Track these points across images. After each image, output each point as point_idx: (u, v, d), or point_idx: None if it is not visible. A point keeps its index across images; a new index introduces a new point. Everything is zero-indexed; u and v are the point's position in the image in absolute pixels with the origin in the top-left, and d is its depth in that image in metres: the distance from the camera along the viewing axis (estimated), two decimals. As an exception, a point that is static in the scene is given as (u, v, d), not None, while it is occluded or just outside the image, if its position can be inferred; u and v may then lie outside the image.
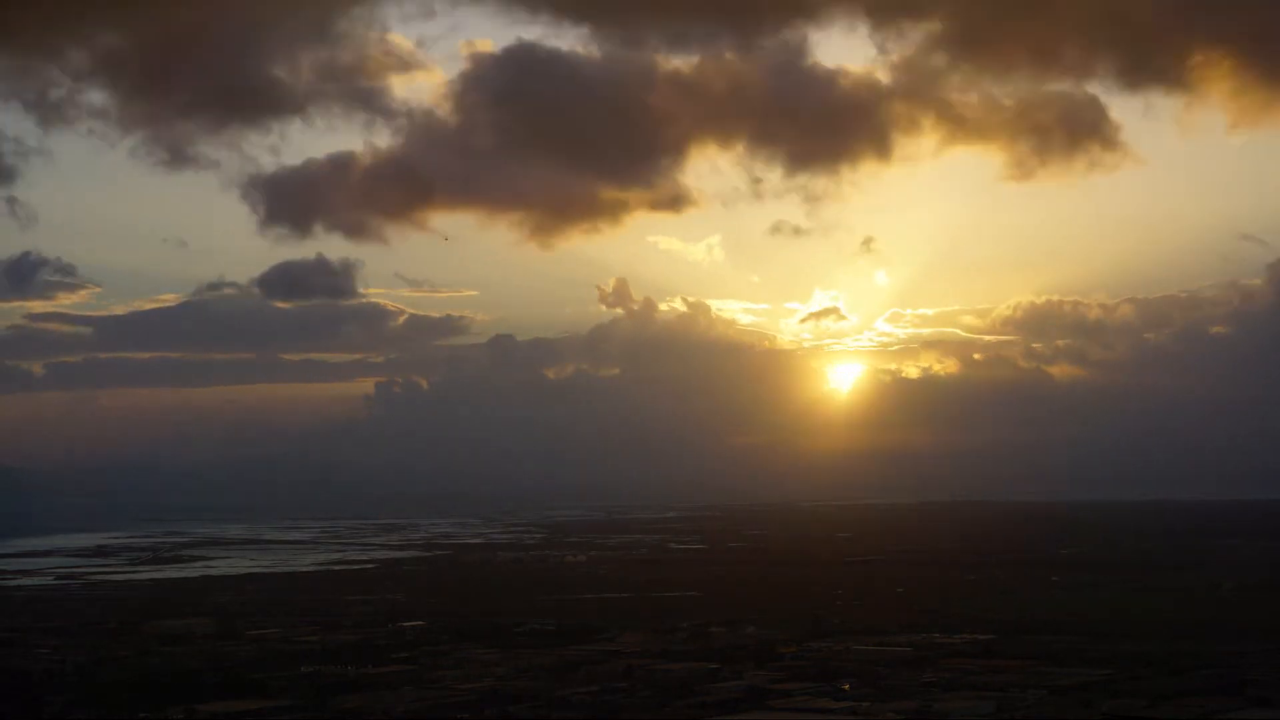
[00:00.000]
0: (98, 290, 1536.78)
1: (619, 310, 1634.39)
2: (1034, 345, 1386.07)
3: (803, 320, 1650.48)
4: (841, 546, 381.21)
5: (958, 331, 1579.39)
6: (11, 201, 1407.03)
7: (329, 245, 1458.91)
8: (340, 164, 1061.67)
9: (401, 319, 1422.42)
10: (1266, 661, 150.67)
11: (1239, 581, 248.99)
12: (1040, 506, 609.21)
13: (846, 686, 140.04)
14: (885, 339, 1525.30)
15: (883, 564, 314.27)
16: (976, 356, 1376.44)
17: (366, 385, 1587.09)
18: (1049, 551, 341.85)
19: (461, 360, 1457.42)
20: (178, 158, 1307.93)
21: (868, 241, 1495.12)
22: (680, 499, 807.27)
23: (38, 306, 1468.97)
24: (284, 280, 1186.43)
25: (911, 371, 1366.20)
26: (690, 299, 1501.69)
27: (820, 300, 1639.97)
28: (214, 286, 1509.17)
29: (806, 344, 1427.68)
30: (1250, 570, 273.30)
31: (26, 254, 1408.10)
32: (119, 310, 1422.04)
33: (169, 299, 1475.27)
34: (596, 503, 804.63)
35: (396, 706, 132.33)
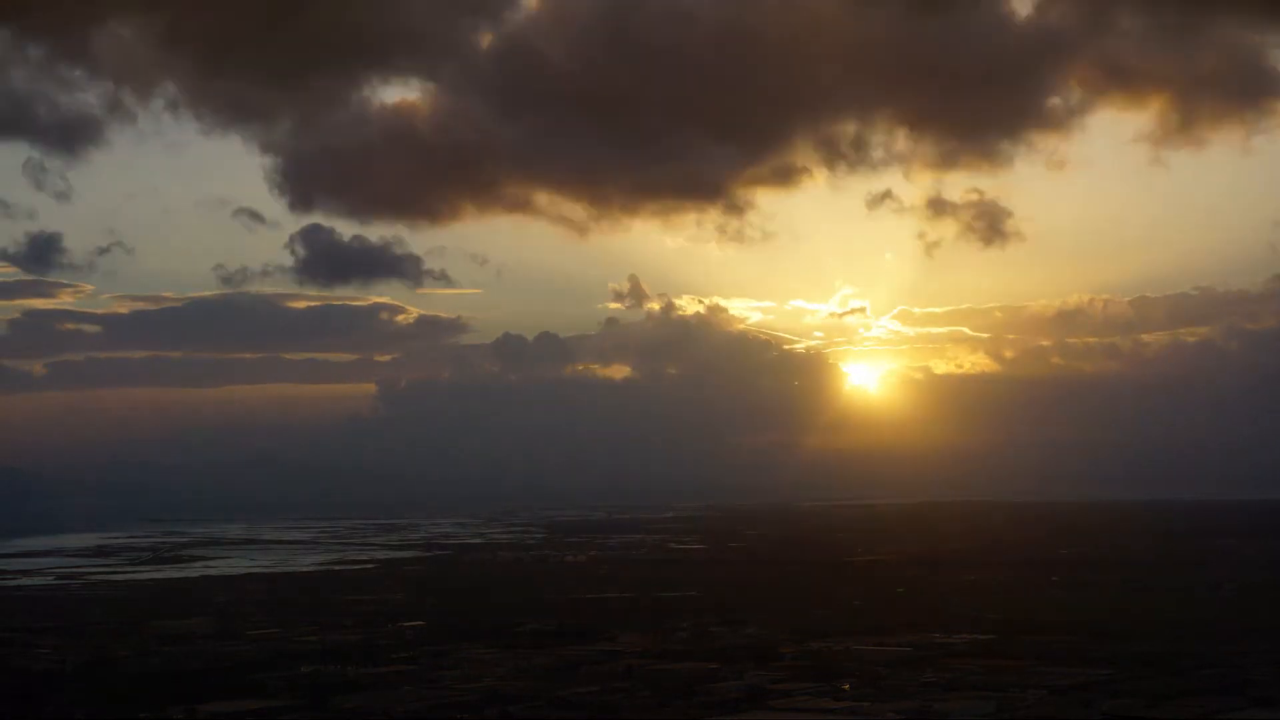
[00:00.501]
0: (90, 289, 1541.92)
1: (633, 308, 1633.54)
2: (1046, 344, 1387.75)
3: (824, 318, 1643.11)
4: (842, 546, 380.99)
5: (964, 330, 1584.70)
6: (36, 166, 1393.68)
7: (367, 227, 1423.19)
8: (371, 136, 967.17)
9: (408, 318, 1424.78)
10: (1267, 661, 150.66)
11: (1239, 581, 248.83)
12: (1040, 506, 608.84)
13: (846, 686, 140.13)
14: (894, 337, 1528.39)
15: (883, 564, 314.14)
16: (986, 355, 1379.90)
17: (369, 386, 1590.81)
18: (1049, 551, 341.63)
19: (466, 359, 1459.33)
20: (211, 122, 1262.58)
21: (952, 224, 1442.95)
22: (678, 499, 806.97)
23: (40, 304, 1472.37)
24: (312, 263, 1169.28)
25: (928, 370, 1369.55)
26: (706, 298, 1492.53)
27: (845, 296, 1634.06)
28: (240, 273, 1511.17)
29: (816, 341, 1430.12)
30: (1250, 570, 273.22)
31: (41, 232, 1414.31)
32: (122, 309, 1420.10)
33: (170, 297, 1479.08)
34: (595, 503, 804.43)
35: (396, 706, 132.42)
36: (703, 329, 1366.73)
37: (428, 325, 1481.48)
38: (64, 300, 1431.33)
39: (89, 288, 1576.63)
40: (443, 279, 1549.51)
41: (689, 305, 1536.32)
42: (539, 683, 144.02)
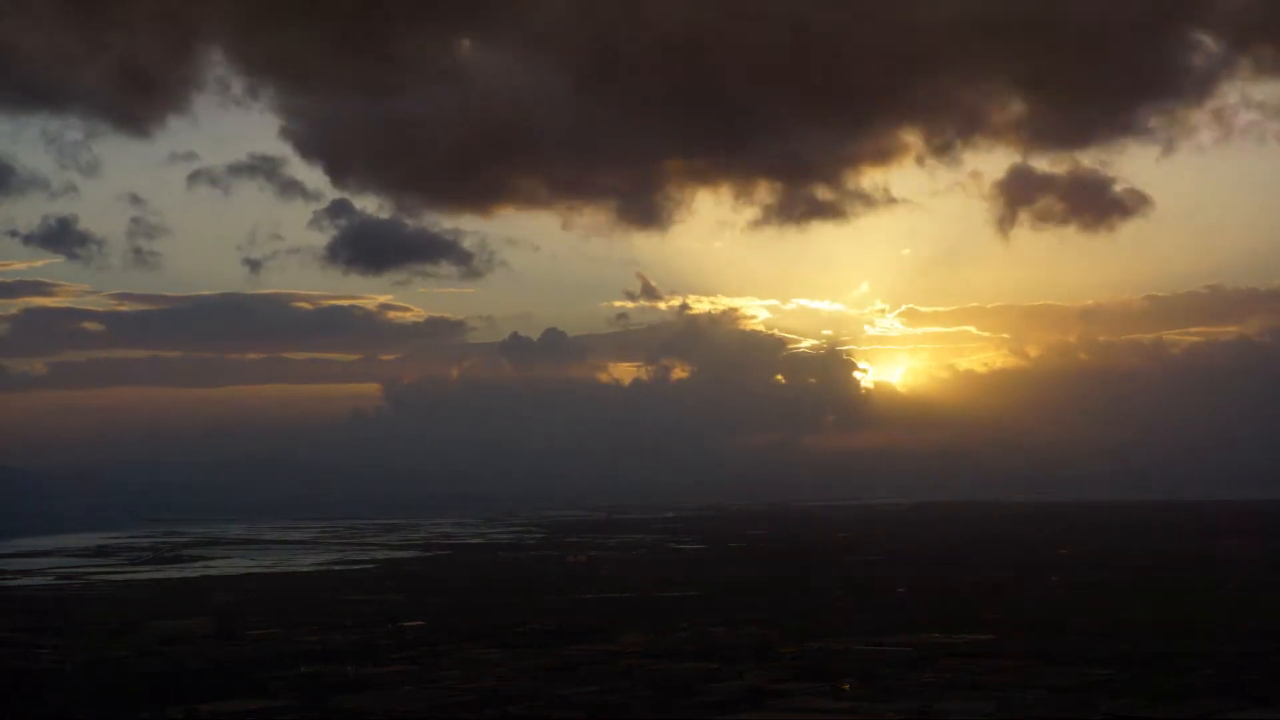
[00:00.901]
0: (89, 287, 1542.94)
1: (643, 307, 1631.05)
2: (1044, 342, 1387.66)
3: (841, 315, 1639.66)
4: (841, 546, 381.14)
5: (970, 329, 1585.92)
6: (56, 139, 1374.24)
7: (403, 211, 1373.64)
8: (410, 111, 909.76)
9: (410, 318, 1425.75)
10: (1266, 661, 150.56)
11: (1240, 581, 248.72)
12: (1040, 507, 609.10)
13: (846, 686, 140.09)
14: (901, 335, 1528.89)
15: (883, 564, 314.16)
16: (984, 354, 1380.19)
17: (371, 385, 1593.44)
18: (1049, 552, 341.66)
19: (469, 359, 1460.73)
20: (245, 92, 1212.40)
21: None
22: (678, 500, 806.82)
23: (41, 302, 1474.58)
24: (341, 246, 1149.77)
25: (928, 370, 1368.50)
26: (720, 297, 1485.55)
27: (861, 295, 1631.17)
28: (271, 257, 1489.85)
29: (827, 340, 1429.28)
30: (1251, 570, 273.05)
31: (56, 214, 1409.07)
32: (123, 308, 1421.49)
33: (173, 295, 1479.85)
34: (596, 503, 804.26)
35: (396, 706, 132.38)
36: (713, 327, 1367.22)
37: (434, 324, 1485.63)
38: (65, 299, 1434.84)
39: (87, 286, 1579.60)
40: (483, 266, 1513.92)
41: (698, 304, 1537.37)
42: (539, 683, 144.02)
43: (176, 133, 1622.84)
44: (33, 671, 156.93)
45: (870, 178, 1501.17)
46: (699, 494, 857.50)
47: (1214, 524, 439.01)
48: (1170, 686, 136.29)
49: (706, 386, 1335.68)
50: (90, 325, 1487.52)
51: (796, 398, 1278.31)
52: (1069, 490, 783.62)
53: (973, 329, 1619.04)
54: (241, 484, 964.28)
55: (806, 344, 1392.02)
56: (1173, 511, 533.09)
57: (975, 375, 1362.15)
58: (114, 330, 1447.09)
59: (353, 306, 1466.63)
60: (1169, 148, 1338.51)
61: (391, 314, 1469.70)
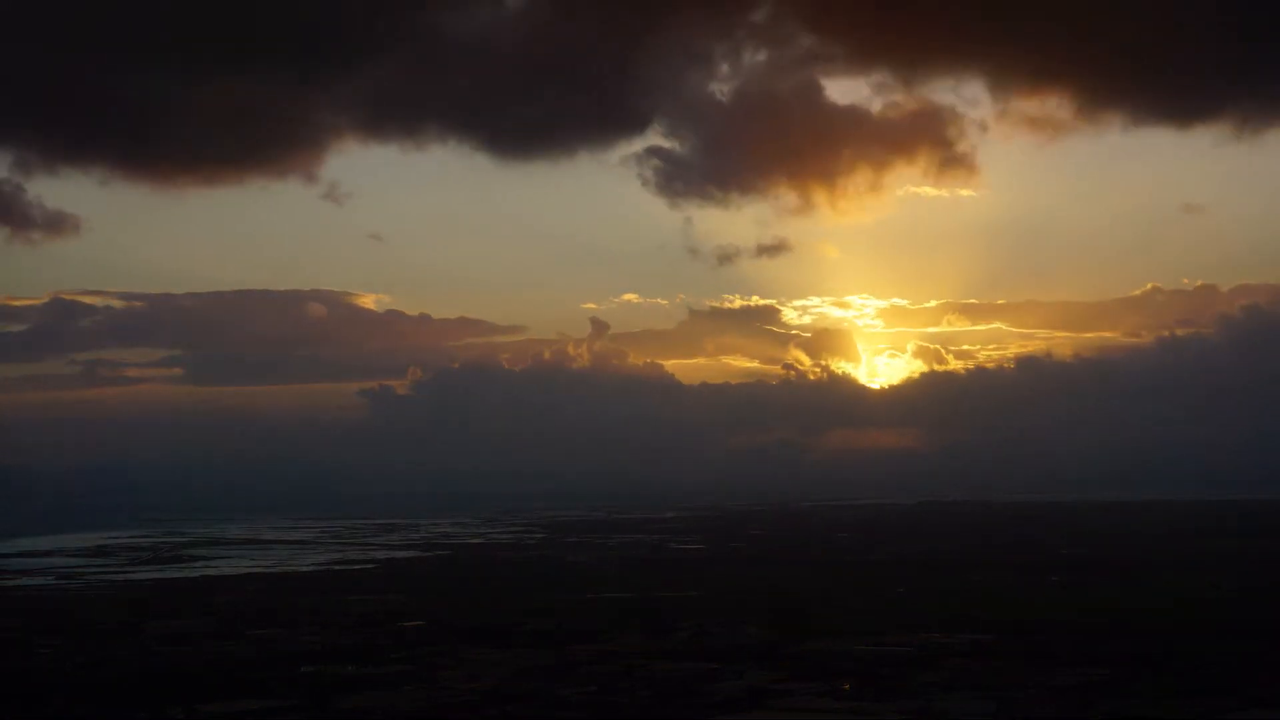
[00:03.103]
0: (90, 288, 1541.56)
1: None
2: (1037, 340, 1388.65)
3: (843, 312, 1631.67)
4: (842, 546, 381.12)
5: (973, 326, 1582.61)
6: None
7: None
8: None
9: (409, 316, 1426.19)
10: (1266, 661, 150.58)
11: (1239, 581, 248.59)
12: (1039, 507, 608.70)
13: (846, 686, 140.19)
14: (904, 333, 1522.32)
15: (883, 564, 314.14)
16: (980, 353, 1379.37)
17: (371, 384, 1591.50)
18: (1049, 551, 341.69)
19: (467, 359, 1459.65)
20: None
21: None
22: (678, 500, 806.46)
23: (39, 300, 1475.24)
24: None
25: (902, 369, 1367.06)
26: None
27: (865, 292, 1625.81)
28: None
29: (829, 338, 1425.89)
30: (1251, 570, 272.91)
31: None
32: (121, 306, 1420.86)
33: (175, 294, 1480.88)
34: (595, 503, 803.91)
35: (397, 706, 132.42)
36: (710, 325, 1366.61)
37: (430, 325, 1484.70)
38: (61, 299, 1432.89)
39: (89, 284, 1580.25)
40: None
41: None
42: (539, 683, 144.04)
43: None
44: (33, 671, 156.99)
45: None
46: (697, 495, 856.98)
47: (1214, 524, 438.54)
48: (1170, 686, 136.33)
49: (705, 385, 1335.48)
50: (89, 323, 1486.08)
51: (793, 396, 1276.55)
52: (1068, 490, 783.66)
53: (974, 325, 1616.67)
54: (241, 484, 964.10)
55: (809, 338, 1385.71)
56: (1171, 511, 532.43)
57: (972, 373, 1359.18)
58: (115, 329, 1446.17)
59: (353, 307, 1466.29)
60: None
61: (395, 313, 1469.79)
